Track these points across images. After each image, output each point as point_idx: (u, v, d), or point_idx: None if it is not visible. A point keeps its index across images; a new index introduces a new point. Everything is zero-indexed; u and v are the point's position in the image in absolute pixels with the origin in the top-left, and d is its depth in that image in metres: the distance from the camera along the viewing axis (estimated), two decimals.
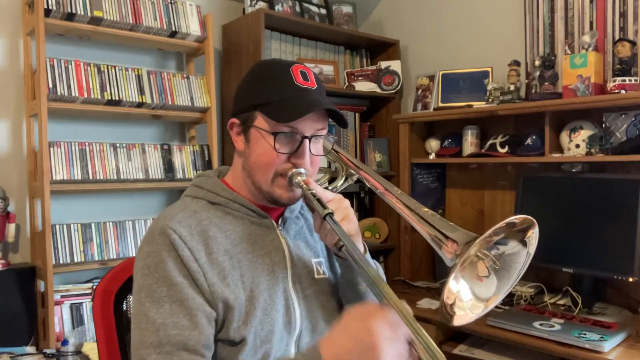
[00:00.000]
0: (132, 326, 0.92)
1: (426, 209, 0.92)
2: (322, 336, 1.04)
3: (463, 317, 0.85)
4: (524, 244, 0.86)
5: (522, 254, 0.87)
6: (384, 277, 1.05)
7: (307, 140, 0.98)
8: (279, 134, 0.96)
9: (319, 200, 0.94)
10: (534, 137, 2.20)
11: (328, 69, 2.87)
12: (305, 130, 0.97)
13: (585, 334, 1.67)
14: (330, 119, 1.03)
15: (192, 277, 0.91)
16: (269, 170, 0.98)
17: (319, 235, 1.02)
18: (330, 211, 0.93)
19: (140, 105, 2.26)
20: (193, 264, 0.92)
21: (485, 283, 0.87)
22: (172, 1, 2.37)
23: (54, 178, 2.04)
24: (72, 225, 2.12)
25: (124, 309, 1.12)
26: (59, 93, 2.05)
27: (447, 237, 0.85)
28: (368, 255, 1.05)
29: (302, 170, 0.97)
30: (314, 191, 0.96)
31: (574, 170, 2.06)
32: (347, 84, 2.92)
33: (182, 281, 0.91)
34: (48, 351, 1.95)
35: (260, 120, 0.98)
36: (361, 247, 1.02)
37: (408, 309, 0.77)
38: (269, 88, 0.98)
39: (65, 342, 2.02)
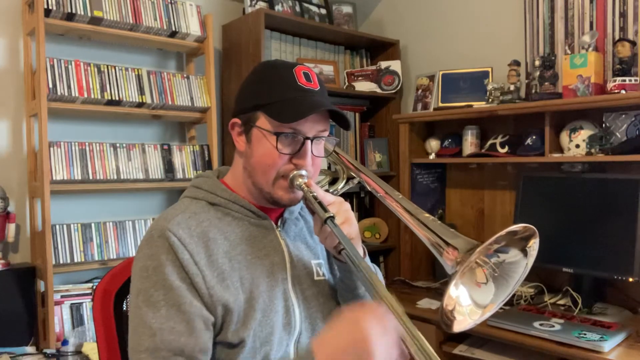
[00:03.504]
0: (129, 329, 0.92)
1: (427, 214, 0.92)
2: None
3: (462, 322, 0.86)
4: (525, 253, 0.86)
5: (522, 264, 0.87)
6: (382, 281, 1.05)
7: (309, 142, 0.97)
8: (281, 134, 0.95)
9: (320, 203, 0.94)
10: (534, 137, 2.20)
11: (328, 69, 2.87)
12: (308, 131, 0.97)
13: (585, 334, 1.67)
14: (332, 121, 1.03)
15: (191, 280, 0.91)
16: (271, 171, 0.97)
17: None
18: (332, 215, 0.92)
19: (140, 105, 2.26)
20: (192, 267, 0.91)
21: (483, 289, 0.88)
22: (172, 1, 2.37)
23: (54, 178, 2.04)
24: (72, 225, 2.12)
25: (124, 309, 1.12)
26: (59, 93, 2.05)
27: (448, 244, 0.85)
28: (367, 259, 1.05)
29: (303, 172, 0.97)
30: (315, 194, 0.95)
31: (574, 170, 2.06)
32: (347, 84, 2.91)
33: (180, 285, 0.90)
34: (48, 351, 1.95)
35: (263, 121, 0.97)
36: (361, 251, 1.02)
37: (400, 306, 0.77)
38: (272, 89, 0.97)
39: (65, 342, 2.02)
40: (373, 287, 0.80)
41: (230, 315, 0.92)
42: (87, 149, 2.14)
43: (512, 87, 2.28)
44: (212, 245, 0.95)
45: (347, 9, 3.02)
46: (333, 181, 1.21)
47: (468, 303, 0.86)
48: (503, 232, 0.82)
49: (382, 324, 0.75)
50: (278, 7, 2.69)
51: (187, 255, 0.92)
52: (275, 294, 0.98)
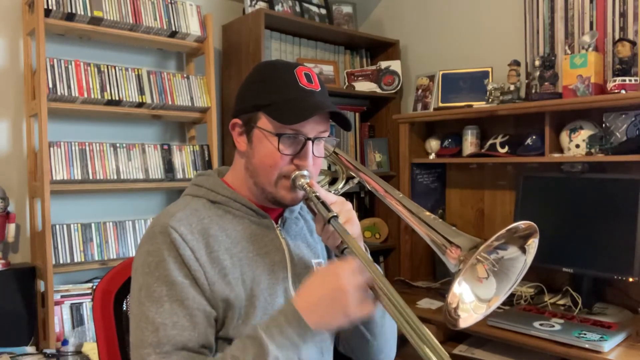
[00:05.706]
0: (131, 325, 0.92)
1: (428, 213, 0.92)
2: (320, 336, 1.04)
3: (467, 318, 0.86)
4: (523, 250, 0.87)
5: (520, 260, 0.87)
6: None
7: (310, 142, 0.98)
8: (283, 135, 0.96)
9: (323, 202, 0.94)
10: (534, 137, 2.20)
11: (328, 69, 2.87)
12: (309, 132, 0.97)
13: (585, 334, 1.67)
14: (333, 122, 1.03)
15: (193, 276, 0.91)
16: (273, 171, 0.98)
17: (319, 236, 1.01)
18: (335, 214, 0.93)
19: (140, 105, 2.26)
20: (194, 263, 0.92)
21: (485, 284, 0.88)
22: (172, 1, 2.37)
23: (54, 178, 2.04)
24: (72, 225, 2.12)
25: (124, 309, 1.12)
26: (59, 93, 2.05)
27: (450, 243, 0.85)
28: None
29: (305, 172, 0.97)
30: (318, 194, 0.96)
31: (574, 170, 2.06)
32: (347, 84, 2.92)
33: (183, 281, 0.91)
34: (48, 351, 1.95)
35: (264, 121, 0.97)
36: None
37: (374, 266, 0.85)
38: (273, 89, 0.97)
39: (65, 342, 2.02)
40: (378, 281, 0.80)
41: (231, 310, 0.93)
42: (87, 149, 2.14)
43: (512, 87, 2.28)
44: (213, 242, 0.96)
45: (347, 9, 3.03)
46: (332, 181, 1.21)
47: (471, 299, 0.87)
48: (504, 231, 0.82)
49: (357, 276, 0.84)
50: (278, 7, 2.69)
51: (189, 251, 0.92)
52: (276, 292, 0.98)
